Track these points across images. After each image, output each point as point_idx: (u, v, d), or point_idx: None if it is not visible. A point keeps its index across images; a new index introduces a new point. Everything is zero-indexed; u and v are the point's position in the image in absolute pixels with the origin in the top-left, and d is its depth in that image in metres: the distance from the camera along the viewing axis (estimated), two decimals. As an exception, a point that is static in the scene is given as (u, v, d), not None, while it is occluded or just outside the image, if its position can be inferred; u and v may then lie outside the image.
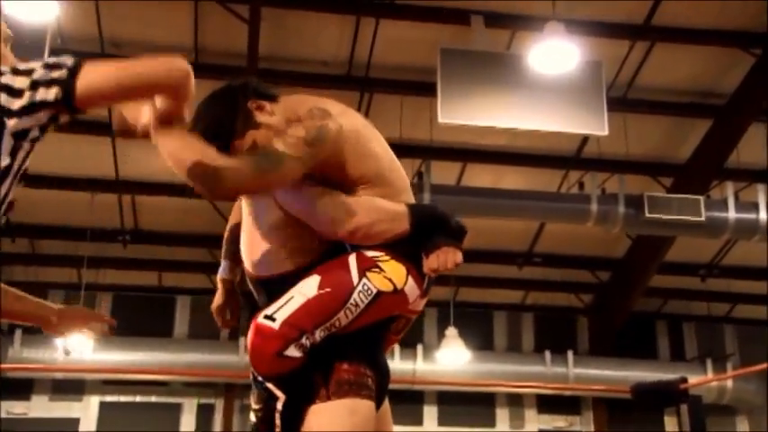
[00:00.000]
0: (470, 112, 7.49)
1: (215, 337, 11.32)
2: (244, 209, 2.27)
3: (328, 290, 2.01)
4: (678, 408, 4.81)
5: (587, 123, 7.68)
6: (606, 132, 7.72)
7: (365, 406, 2.04)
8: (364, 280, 2.04)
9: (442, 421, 11.88)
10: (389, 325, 2.23)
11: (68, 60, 1.63)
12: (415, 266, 2.12)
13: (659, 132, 9.71)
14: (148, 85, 1.72)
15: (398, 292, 2.09)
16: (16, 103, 1.60)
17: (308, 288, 2.02)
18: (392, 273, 2.08)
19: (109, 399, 11.32)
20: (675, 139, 9.79)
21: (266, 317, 1.98)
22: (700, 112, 9.32)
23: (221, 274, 2.41)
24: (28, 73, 1.62)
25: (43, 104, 1.61)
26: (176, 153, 1.91)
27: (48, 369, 10.27)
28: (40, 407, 11.14)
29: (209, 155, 1.92)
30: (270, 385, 1.97)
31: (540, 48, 7.03)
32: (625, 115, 9.06)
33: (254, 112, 2.15)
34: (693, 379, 5.52)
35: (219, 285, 2.41)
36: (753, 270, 11.40)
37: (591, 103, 7.62)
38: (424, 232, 2.13)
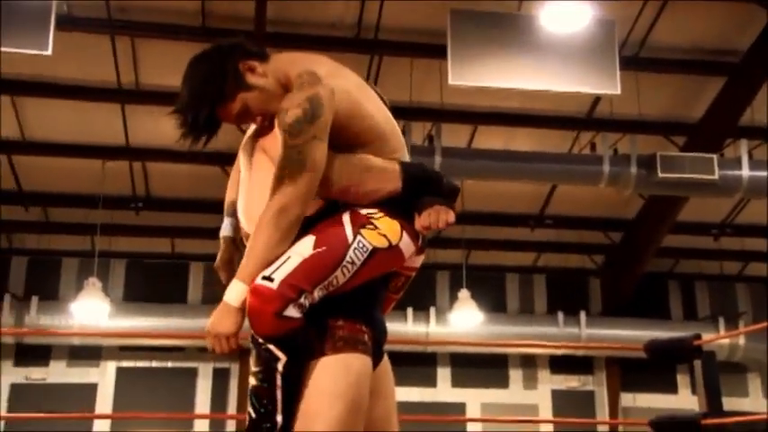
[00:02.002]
0: (481, 74, 7.44)
1: (229, 302, 11.39)
2: (242, 167, 2.27)
3: (324, 248, 2.02)
4: (691, 364, 4.83)
5: (599, 83, 7.62)
6: (618, 92, 7.66)
7: (360, 361, 2.05)
8: (359, 237, 2.05)
9: (456, 383, 11.98)
10: (387, 283, 2.24)
11: None
12: (408, 222, 2.14)
13: (672, 91, 9.62)
14: None
15: (393, 248, 2.10)
16: None
17: (303, 248, 2.02)
18: (386, 229, 2.09)
19: (125, 364, 11.46)
20: (688, 98, 9.70)
21: (264, 278, 1.98)
22: (713, 70, 9.22)
23: (224, 231, 2.40)
24: None
25: None
26: (262, 246, 2.02)
27: (64, 333, 10.39)
28: (57, 372, 11.29)
29: (266, 217, 2.02)
30: (271, 346, 1.97)
31: (552, 7, 6.96)
32: (637, 74, 8.96)
33: (246, 74, 2.15)
34: (706, 336, 5.53)
35: (222, 243, 2.39)
36: (766, 229, 11.35)
37: (603, 63, 7.56)
38: (415, 190, 2.14)
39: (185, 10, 8.37)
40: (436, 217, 2.10)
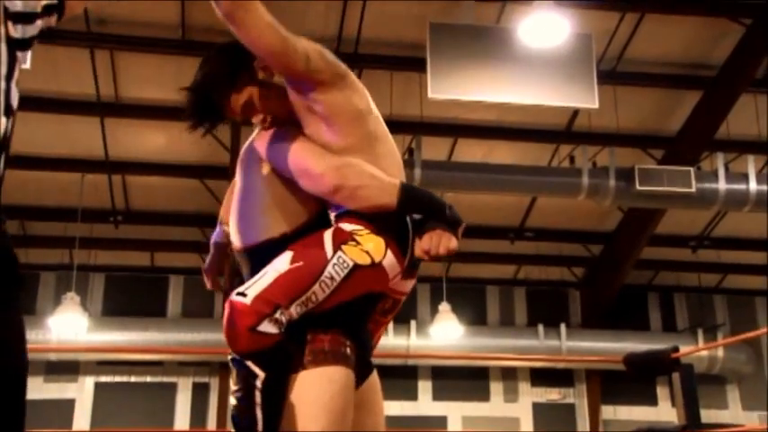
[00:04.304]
0: (460, 87, 7.48)
1: (208, 315, 11.34)
2: (236, 179, 2.26)
3: (300, 264, 2.00)
4: (670, 376, 4.85)
5: (578, 97, 7.68)
6: (596, 105, 7.72)
7: (343, 373, 2.04)
8: (339, 253, 2.02)
9: (437, 396, 11.96)
10: (374, 305, 2.21)
11: None
12: (395, 241, 2.09)
13: (649, 105, 9.71)
14: None
15: (376, 266, 2.06)
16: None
17: (280, 263, 2.02)
18: (369, 246, 2.05)
19: (104, 379, 11.35)
20: (665, 112, 9.80)
21: (239, 293, 1.97)
22: (690, 83, 9.32)
23: (215, 237, 2.40)
24: None
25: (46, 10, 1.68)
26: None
27: (41, 349, 10.27)
28: (34, 388, 11.14)
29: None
30: (249, 363, 1.96)
31: (530, 21, 7.01)
32: (615, 88, 9.05)
33: (258, 71, 2.19)
34: (685, 348, 5.57)
35: (212, 249, 2.39)
36: (743, 241, 11.46)
37: (581, 77, 7.62)
38: (410, 212, 2.11)
39: (165, 23, 8.35)
40: (438, 240, 2.03)
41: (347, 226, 2.08)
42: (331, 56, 2.16)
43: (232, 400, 2.00)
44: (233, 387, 2.00)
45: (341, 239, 2.05)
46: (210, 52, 2.26)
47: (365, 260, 2.04)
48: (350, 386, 2.05)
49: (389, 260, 2.07)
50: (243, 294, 1.96)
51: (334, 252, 2.03)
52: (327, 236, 2.07)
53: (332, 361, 2.02)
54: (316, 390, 1.99)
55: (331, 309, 2.04)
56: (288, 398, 1.99)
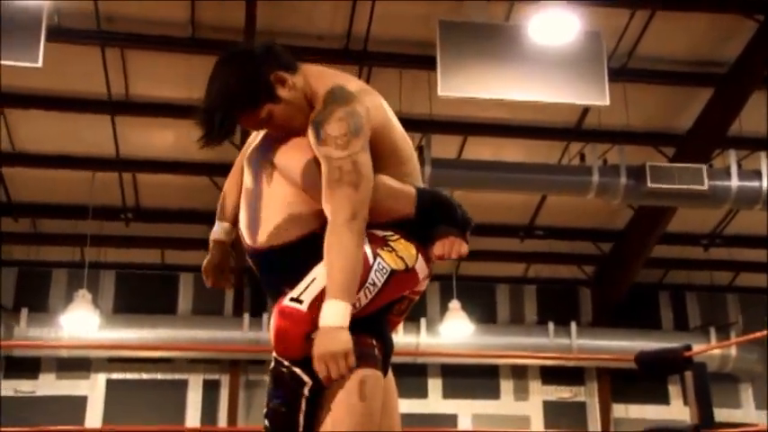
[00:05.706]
0: (470, 85, 7.47)
1: (219, 313, 11.36)
2: (245, 179, 2.23)
3: None
4: (682, 375, 4.83)
5: (588, 94, 7.66)
6: (607, 103, 7.69)
7: (374, 375, 2.05)
8: (378, 259, 2.05)
9: (447, 394, 11.95)
10: (393, 306, 2.23)
11: None
12: (423, 246, 2.14)
13: (660, 102, 9.67)
14: None
15: (410, 271, 2.10)
16: None
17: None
18: (403, 251, 2.10)
19: (115, 376, 11.39)
20: (677, 109, 9.75)
21: (292, 299, 1.96)
22: (701, 80, 9.27)
23: (215, 234, 2.38)
24: None
25: None
26: (343, 256, 1.96)
27: (54, 346, 10.33)
28: (47, 385, 11.21)
29: (337, 228, 1.97)
30: (298, 370, 1.96)
31: (540, 18, 6.99)
32: (625, 85, 9.01)
33: (276, 85, 2.11)
34: (697, 347, 5.53)
35: (212, 246, 2.38)
36: (755, 239, 11.39)
37: (591, 74, 7.59)
38: (427, 217, 2.14)
39: (175, 21, 8.37)
40: (450, 247, 2.11)
41: (378, 231, 2.10)
42: (352, 120, 2.06)
43: (271, 405, 1.99)
44: (273, 392, 1.99)
45: (377, 245, 2.07)
46: (222, 64, 2.14)
47: (400, 266, 2.08)
48: (379, 388, 2.06)
49: (420, 264, 2.13)
50: (298, 301, 1.95)
51: (374, 258, 2.04)
52: (365, 242, 2.07)
53: (362, 363, 2.02)
54: (346, 392, 1.99)
55: (369, 314, 2.05)
56: (321, 400, 2.00)
